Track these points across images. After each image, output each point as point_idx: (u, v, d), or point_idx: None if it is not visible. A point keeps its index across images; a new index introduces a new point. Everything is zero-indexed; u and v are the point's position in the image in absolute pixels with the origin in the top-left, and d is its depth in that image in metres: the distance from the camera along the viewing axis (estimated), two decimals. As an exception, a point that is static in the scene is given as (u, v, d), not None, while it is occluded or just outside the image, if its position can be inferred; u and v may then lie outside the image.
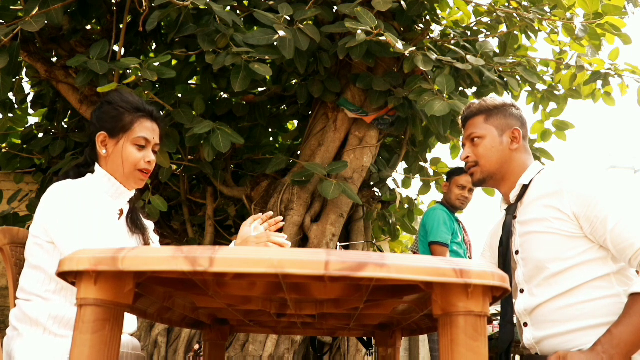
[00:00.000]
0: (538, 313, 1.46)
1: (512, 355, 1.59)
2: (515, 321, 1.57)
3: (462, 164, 2.49)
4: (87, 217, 1.39)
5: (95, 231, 1.38)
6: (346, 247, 3.55)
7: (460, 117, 1.73)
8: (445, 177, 3.55)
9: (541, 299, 1.45)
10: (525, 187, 1.55)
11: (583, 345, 1.35)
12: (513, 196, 1.58)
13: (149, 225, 1.70)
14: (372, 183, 4.07)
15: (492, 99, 1.68)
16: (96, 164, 1.56)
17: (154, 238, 1.70)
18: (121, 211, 1.58)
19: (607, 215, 1.37)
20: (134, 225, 1.59)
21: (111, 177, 1.53)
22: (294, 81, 4.13)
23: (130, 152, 1.53)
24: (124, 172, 1.53)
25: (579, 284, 1.40)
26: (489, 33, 3.69)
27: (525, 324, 1.51)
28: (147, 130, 1.56)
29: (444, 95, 3.00)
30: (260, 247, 0.71)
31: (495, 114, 1.63)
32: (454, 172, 3.39)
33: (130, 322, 1.56)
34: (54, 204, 1.42)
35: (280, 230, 1.72)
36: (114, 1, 3.57)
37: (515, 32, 3.57)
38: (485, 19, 3.76)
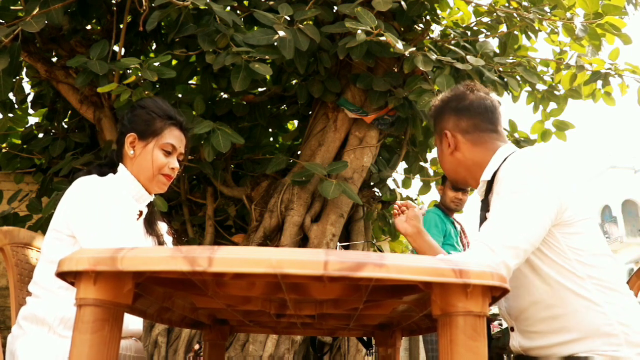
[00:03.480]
0: (522, 323, 1.42)
1: (511, 355, 1.57)
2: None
3: None
4: (110, 213, 1.42)
5: (117, 228, 1.40)
6: (346, 247, 3.55)
7: None
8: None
9: (521, 302, 1.41)
10: (490, 182, 1.43)
11: (573, 354, 1.33)
12: (480, 193, 1.50)
13: (162, 226, 1.73)
14: (372, 183, 4.07)
15: (436, 100, 1.58)
16: (120, 164, 1.60)
17: (167, 240, 1.72)
18: (140, 213, 1.62)
19: (502, 204, 1.31)
20: (151, 227, 1.64)
21: (135, 179, 1.58)
22: (294, 81, 4.14)
23: (157, 155, 1.58)
24: (148, 174, 1.58)
25: (550, 284, 1.34)
26: (489, 33, 3.69)
27: (512, 329, 1.47)
28: (176, 138, 1.63)
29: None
30: (259, 247, 0.71)
31: (436, 118, 1.55)
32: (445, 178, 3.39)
33: (136, 325, 1.57)
34: (79, 198, 1.44)
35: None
36: (114, 1, 3.57)
37: (515, 32, 3.57)
38: (485, 19, 3.76)
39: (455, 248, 3.26)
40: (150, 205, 1.66)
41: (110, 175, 1.58)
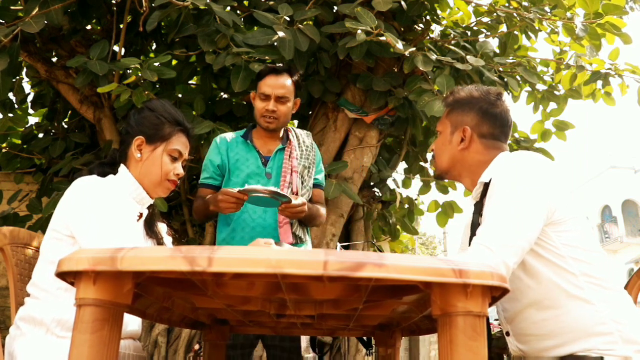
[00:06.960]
0: (517, 326, 1.42)
1: (511, 356, 1.57)
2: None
3: None
4: (110, 214, 1.41)
5: (117, 229, 1.40)
6: (346, 247, 3.55)
7: None
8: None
9: (515, 305, 1.41)
10: (487, 185, 1.43)
11: (569, 353, 1.33)
12: (476, 194, 1.49)
13: (162, 227, 1.73)
14: (372, 183, 4.06)
15: (462, 90, 1.57)
16: (122, 165, 1.59)
17: (167, 241, 1.72)
18: (140, 215, 1.61)
19: (496, 205, 1.33)
20: (151, 229, 1.64)
21: (136, 181, 1.57)
22: (294, 81, 4.12)
23: (165, 161, 1.59)
24: (154, 179, 1.58)
25: (544, 284, 1.34)
26: (489, 33, 3.69)
27: (507, 333, 1.47)
28: (183, 144, 1.63)
29: (444, 96, 3.00)
30: (259, 247, 0.71)
31: (456, 108, 1.55)
32: (259, 75, 2.14)
33: (133, 325, 1.57)
34: (78, 198, 1.44)
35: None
36: (114, 1, 3.57)
37: (515, 32, 3.57)
38: (485, 19, 3.76)
39: (252, 179, 2.13)
40: (150, 207, 1.66)
41: (111, 176, 1.57)
